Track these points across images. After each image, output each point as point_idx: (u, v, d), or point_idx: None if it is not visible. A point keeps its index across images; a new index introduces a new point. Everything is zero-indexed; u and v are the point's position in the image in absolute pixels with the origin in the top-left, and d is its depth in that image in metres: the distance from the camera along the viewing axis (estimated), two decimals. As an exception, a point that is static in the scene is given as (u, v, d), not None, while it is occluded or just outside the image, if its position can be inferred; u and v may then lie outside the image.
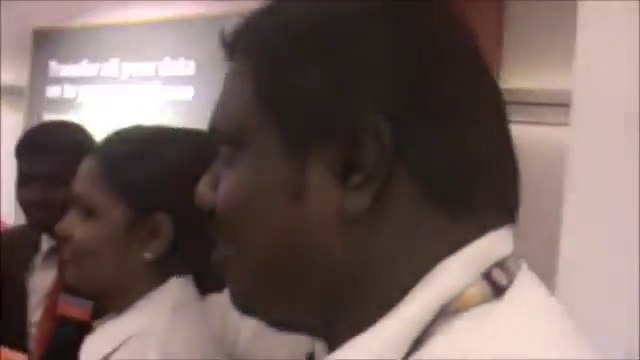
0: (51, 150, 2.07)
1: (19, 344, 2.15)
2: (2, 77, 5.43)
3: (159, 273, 1.29)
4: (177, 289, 1.30)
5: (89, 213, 1.32)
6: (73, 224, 1.33)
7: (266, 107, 0.64)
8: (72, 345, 2.03)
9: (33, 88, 5.41)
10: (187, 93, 4.47)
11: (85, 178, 1.33)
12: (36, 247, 2.22)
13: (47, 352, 2.11)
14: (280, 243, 0.63)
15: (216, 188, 0.69)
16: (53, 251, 2.17)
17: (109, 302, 1.34)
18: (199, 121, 4.56)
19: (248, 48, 0.67)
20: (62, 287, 2.11)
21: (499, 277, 0.59)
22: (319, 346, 0.70)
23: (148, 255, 1.28)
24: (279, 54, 0.64)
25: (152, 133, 1.37)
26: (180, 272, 1.31)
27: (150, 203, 1.28)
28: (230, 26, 0.71)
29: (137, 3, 4.81)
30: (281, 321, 0.68)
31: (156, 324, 1.25)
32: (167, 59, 4.56)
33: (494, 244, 0.61)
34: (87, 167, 1.34)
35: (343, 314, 0.63)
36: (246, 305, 0.69)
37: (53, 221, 2.12)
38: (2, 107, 5.43)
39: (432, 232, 0.61)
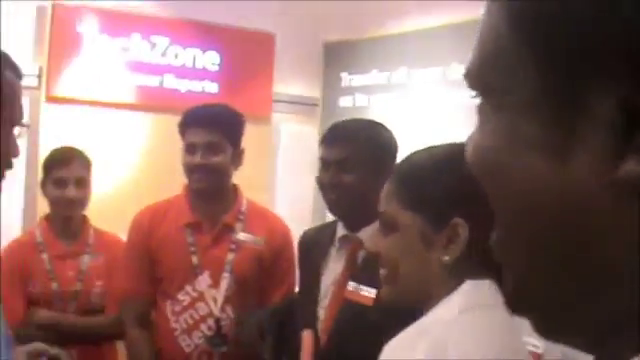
0: (344, 138, 2.39)
1: (309, 324, 2.38)
2: (296, 90, 5.72)
3: (456, 277, 1.34)
4: (468, 292, 1.32)
5: (392, 229, 1.42)
6: (378, 240, 1.43)
7: (523, 43, 0.53)
8: (355, 327, 2.19)
9: (326, 99, 5.65)
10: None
11: (386, 198, 1.46)
12: (332, 239, 2.46)
13: (332, 332, 2.32)
14: (549, 217, 0.52)
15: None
16: (344, 241, 2.40)
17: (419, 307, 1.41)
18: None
19: None
20: (349, 275, 2.28)
21: None
22: None
23: (446, 259, 1.33)
24: None
25: (442, 149, 1.44)
26: (475, 275, 1.34)
27: (445, 213, 1.35)
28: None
29: (420, 10, 4.87)
30: (559, 325, 0.55)
31: (436, 325, 1.29)
32: (454, 64, 4.57)
33: None
34: (387, 188, 1.47)
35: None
36: (518, 303, 0.58)
37: (340, 202, 2.37)
38: (297, 118, 5.71)
39: None
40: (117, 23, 4.99)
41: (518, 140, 0.53)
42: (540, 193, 0.52)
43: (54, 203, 3.10)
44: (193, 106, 2.97)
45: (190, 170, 2.84)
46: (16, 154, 1.52)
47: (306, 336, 2.34)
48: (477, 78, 0.58)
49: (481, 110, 0.59)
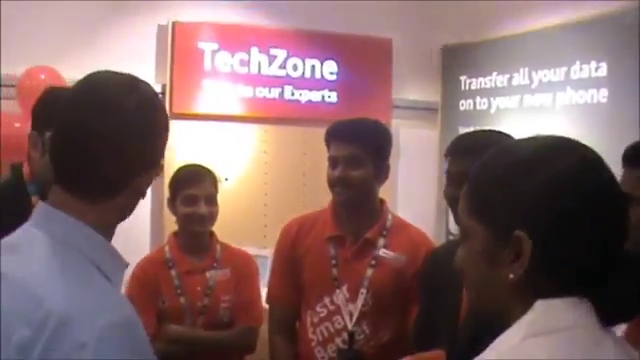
0: (470, 151, 2.24)
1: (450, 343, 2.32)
2: (415, 95, 5.67)
3: (525, 296, 1.21)
4: (537, 314, 1.20)
5: (464, 236, 1.33)
6: (461, 247, 1.36)
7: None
8: (477, 334, 2.12)
9: (445, 103, 5.57)
10: (600, 96, 4.28)
11: (461, 201, 1.34)
12: None
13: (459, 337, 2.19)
14: None
15: None
16: None
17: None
18: (612, 124, 4.33)
19: None
20: None
21: None
22: None
23: (511, 277, 1.22)
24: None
25: (524, 149, 1.29)
26: (550, 294, 1.20)
27: (508, 224, 1.21)
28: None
29: (540, 9, 4.74)
30: None
31: (502, 350, 1.19)
32: (577, 63, 4.42)
33: None
34: (463, 190, 1.35)
35: None
36: None
37: None
38: (417, 123, 5.66)
39: None
40: (236, 37, 5.08)
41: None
42: None
43: (184, 220, 3.16)
44: (338, 120, 2.98)
45: (331, 183, 2.85)
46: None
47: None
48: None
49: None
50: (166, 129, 1.51)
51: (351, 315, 2.80)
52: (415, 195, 5.36)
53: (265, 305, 3.15)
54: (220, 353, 3.11)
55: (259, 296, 3.24)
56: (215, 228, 3.25)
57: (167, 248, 3.20)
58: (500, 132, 2.50)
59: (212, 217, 3.16)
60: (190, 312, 3.09)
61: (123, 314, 1.31)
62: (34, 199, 2.30)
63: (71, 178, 1.43)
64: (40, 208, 1.46)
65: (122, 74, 1.49)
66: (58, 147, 1.45)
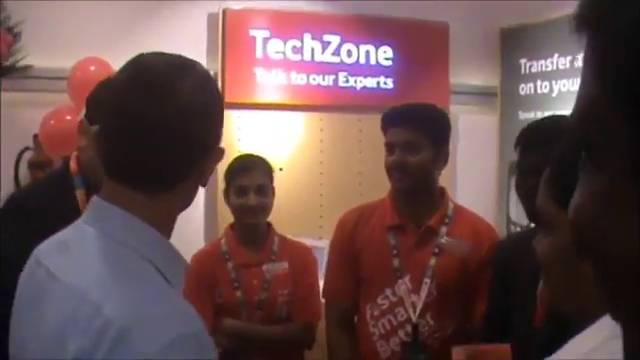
0: (542, 143, 2.16)
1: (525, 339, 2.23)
2: (473, 79, 5.53)
3: None
4: None
5: (548, 228, 1.26)
6: (539, 239, 1.29)
7: (619, 108, 0.51)
8: (557, 333, 2.01)
9: (505, 87, 5.42)
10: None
11: (542, 191, 1.28)
12: None
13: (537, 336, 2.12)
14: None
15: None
16: None
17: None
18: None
19: (589, 22, 0.54)
20: None
21: None
22: None
23: None
24: (626, 36, 0.50)
25: None
26: None
27: None
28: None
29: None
30: None
31: (583, 350, 1.08)
32: None
33: None
34: (543, 179, 1.28)
35: None
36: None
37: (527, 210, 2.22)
38: (476, 108, 5.52)
39: None
40: (288, 24, 4.98)
41: (616, 204, 0.52)
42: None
43: (237, 211, 3.09)
44: (395, 105, 2.93)
45: (389, 169, 2.79)
46: None
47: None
48: (577, 132, 0.57)
49: (583, 169, 0.57)
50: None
51: (414, 306, 2.73)
52: (474, 182, 5.23)
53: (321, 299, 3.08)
54: (279, 348, 3.03)
55: (318, 291, 3.16)
56: (270, 219, 3.17)
57: (224, 240, 3.14)
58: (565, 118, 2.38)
59: (264, 208, 3.08)
60: (247, 306, 3.02)
61: (192, 326, 1.19)
62: (79, 193, 2.24)
63: (125, 170, 1.32)
64: (93, 203, 1.35)
65: (172, 55, 1.37)
66: (108, 137, 1.33)
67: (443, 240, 2.77)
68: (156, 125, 1.28)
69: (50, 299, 1.25)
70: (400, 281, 2.74)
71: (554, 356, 1.14)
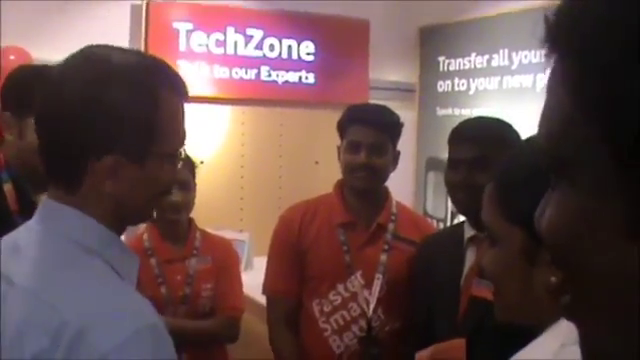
0: (475, 138, 2.36)
1: (451, 329, 2.35)
2: (392, 76, 5.62)
3: None
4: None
5: (493, 240, 1.27)
6: (484, 251, 1.30)
7: (590, 124, 0.52)
8: (481, 322, 2.11)
9: (423, 84, 5.53)
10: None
11: (486, 205, 1.28)
12: (462, 241, 2.48)
13: (461, 327, 2.30)
14: (612, 283, 0.53)
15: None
16: (473, 241, 2.43)
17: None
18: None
19: (564, 42, 0.56)
20: (476, 272, 2.20)
21: None
22: None
23: (553, 279, 1.16)
24: (604, 55, 0.51)
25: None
26: None
27: None
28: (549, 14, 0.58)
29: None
30: None
31: (538, 358, 1.14)
32: (560, 43, 4.39)
33: None
34: (487, 193, 1.29)
35: None
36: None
37: (473, 204, 2.30)
38: (395, 104, 5.59)
39: None
40: (211, 17, 4.98)
41: (590, 219, 0.53)
42: (615, 275, 0.52)
43: (160, 208, 3.07)
44: (357, 104, 2.94)
45: (353, 168, 2.78)
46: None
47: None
48: (546, 152, 0.58)
49: (555, 185, 0.58)
50: (132, 107, 1.30)
51: (367, 302, 2.77)
52: (393, 176, 5.29)
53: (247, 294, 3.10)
54: (203, 343, 3.05)
55: (240, 285, 3.18)
56: (192, 212, 3.17)
57: (146, 236, 3.12)
58: (502, 121, 2.49)
59: (187, 204, 3.07)
60: (171, 302, 3.02)
61: (147, 319, 1.20)
62: (7, 187, 2.21)
63: (47, 167, 1.33)
64: (43, 203, 1.35)
65: (98, 48, 1.36)
66: (41, 137, 1.34)
67: (391, 237, 2.83)
68: (51, 120, 1.30)
69: (6, 304, 1.24)
70: (352, 277, 2.78)
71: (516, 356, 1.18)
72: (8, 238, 1.37)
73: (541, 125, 0.59)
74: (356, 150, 2.76)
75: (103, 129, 1.28)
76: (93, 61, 1.32)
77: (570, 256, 0.57)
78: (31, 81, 2.17)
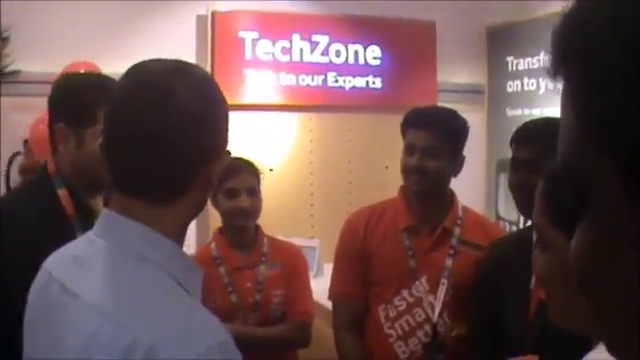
0: (533, 138, 2.36)
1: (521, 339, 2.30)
2: (460, 78, 5.56)
3: None
4: None
5: (544, 245, 1.24)
6: (536, 255, 1.27)
7: (601, 154, 0.50)
8: (547, 326, 2.04)
9: (492, 85, 5.45)
10: None
11: (536, 209, 1.25)
12: (531, 244, 2.40)
13: (531, 332, 2.26)
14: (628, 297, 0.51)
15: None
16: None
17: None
18: None
19: (568, 60, 0.53)
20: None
21: None
22: None
23: None
24: (606, 72, 0.49)
25: None
26: None
27: None
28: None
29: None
30: None
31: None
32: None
33: None
34: (537, 197, 1.26)
35: None
36: None
37: (531, 206, 2.24)
38: (463, 106, 5.52)
39: None
40: (276, 25, 5.00)
41: (611, 250, 0.52)
42: (632, 290, 0.51)
43: (227, 214, 3.08)
44: (416, 107, 2.92)
45: (407, 171, 2.77)
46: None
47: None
48: (563, 179, 0.56)
49: (580, 211, 0.56)
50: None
51: (432, 306, 2.74)
52: (463, 179, 5.18)
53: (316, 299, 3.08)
54: (276, 349, 3.04)
55: (310, 290, 3.17)
56: (261, 220, 3.18)
57: (213, 245, 3.13)
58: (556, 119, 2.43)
59: (255, 210, 3.08)
60: (242, 309, 3.02)
61: (217, 336, 1.18)
62: (61, 192, 2.22)
63: (131, 182, 1.30)
64: (105, 216, 1.33)
65: (171, 61, 1.35)
66: (112, 149, 1.31)
67: (458, 241, 2.79)
68: (157, 135, 1.26)
69: (69, 317, 1.23)
70: (417, 282, 2.76)
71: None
72: (68, 249, 1.36)
73: (560, 142, 0.58)
74: (411, 153, 2.75)
75: (215, 139, 1.34)
76: (185, 74, 1.33)
77: (595, 288, 0.56)
78: (89, 92, 2.17)
